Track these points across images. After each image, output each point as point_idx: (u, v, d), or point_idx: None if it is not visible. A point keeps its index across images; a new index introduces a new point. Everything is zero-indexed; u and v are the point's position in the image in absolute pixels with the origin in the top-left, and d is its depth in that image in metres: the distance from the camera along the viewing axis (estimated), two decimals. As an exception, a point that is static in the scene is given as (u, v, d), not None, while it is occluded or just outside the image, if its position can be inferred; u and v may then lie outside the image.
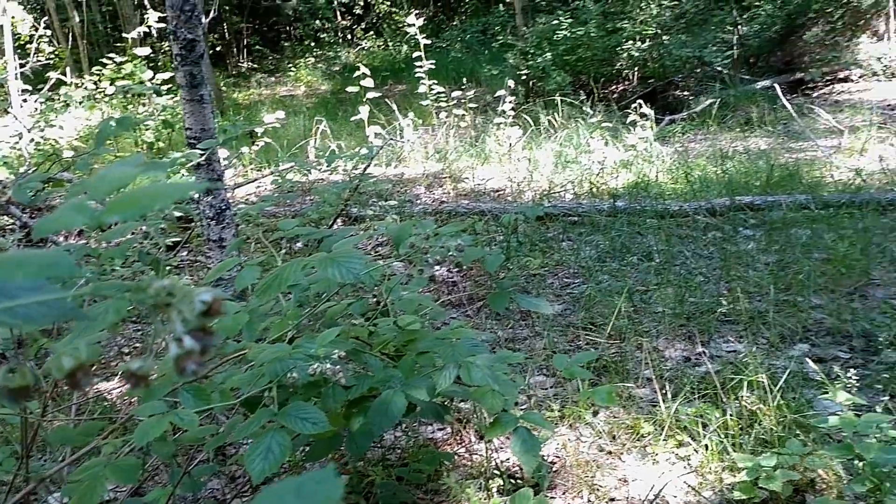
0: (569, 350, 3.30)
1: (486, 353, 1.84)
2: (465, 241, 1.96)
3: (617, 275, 4.11)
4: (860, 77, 9.33)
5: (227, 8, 14.81)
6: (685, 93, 9.32)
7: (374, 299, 2.26)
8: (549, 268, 4.35)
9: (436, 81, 7.49)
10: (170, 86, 7.53)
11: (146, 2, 10.86)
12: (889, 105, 8.19)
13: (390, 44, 14.91)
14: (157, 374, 1.61)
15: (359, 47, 15.60)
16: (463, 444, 2.59)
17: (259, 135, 6.46)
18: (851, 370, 2.34)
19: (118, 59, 8.51)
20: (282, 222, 2.09)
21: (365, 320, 2.08)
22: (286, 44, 16.06)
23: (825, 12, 9.25)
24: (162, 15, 7.77)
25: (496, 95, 7.56)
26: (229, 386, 1.70)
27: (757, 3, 9.66)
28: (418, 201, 5.83)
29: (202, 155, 3.35)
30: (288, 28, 16.49)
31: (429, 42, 8.13)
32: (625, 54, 9.42)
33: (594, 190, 5.64)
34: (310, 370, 1.51)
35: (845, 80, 9.39)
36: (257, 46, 15.89)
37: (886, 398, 2.59)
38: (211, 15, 9.13)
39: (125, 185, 0.62)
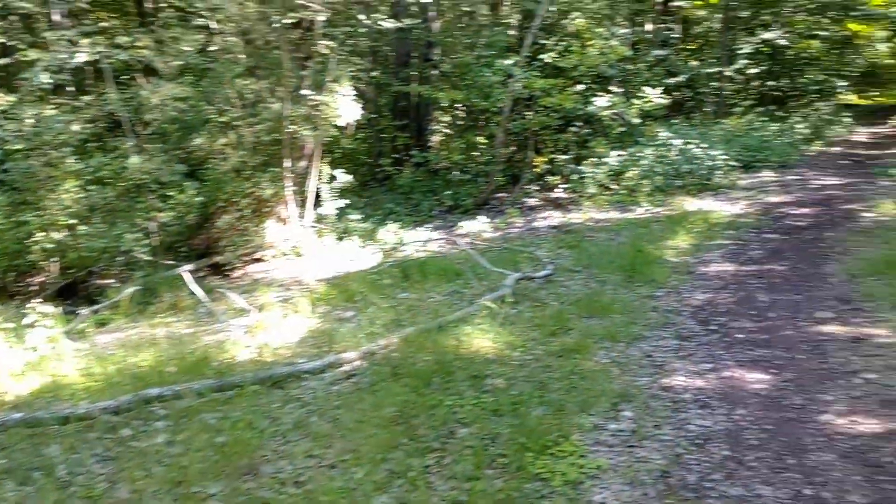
0: None
1: None
2: None
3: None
4: (272, 257, 10.41)
5: None
6: (109, 281, 9.13)
7: None
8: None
9: None
10: None
11: None
12: (297, 281, 9.24)
13: None
14: None
15: None
16: None
17: None
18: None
19: None
20: None
21: None
22: None
23: (234, 202, 10.18)
24: None
25: None
26: None
27: (171, 193, 10.13)
28: None
29: None
30: None
31: None
32: (37, 246, 8.86)
33: (-10, 402, 4.99)
34: None
35: (260, 260, 10.39)
36: None
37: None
38: None
39: None
